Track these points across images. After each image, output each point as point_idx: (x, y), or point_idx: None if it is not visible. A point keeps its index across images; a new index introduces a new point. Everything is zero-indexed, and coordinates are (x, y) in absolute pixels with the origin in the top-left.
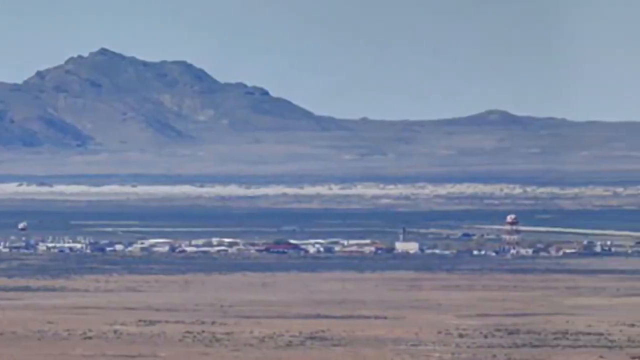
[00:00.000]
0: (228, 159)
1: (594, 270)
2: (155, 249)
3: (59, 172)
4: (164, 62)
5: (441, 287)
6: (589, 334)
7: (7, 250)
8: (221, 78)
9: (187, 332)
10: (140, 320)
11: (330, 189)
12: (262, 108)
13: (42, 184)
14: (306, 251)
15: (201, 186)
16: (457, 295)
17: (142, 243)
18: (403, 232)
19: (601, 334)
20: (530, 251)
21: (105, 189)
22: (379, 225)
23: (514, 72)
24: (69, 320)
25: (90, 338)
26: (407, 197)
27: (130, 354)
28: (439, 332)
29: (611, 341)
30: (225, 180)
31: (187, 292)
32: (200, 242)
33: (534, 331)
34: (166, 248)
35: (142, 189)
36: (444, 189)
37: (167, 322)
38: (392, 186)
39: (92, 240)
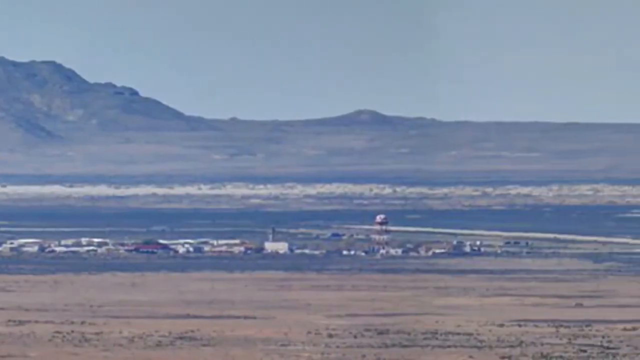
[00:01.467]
0: (97, 158)
1: (463, 270)
2: (25, 249)
3: None
4: (33, 62)
5: (311, 287)
6: (459, 334)
7: None
8: (90, 78)
9: (57, 332)
10: (9, 320)
11: (200, 189)
12: (132, 108)
13: None
14: (176, 251)
15: (70, 186)
16: (326, 295)
17: (11, 243)
18: (272, 232)
19: (470, 334)
20: (399, 251)
21: None
22: (248, 225)
23: (384, 72)
24: None
25: None
26: (276, 197)
27: (0, 354)
28: (309, 332)
29: (480, 341)
30: (95, 180)
31: (56, 292)
32: (69, 242)
33: (404, 331)
34: (35, 248)
35: (12, 189)
36: (313, 189)
37: (36, 322)
38: (261, 186)
39: None
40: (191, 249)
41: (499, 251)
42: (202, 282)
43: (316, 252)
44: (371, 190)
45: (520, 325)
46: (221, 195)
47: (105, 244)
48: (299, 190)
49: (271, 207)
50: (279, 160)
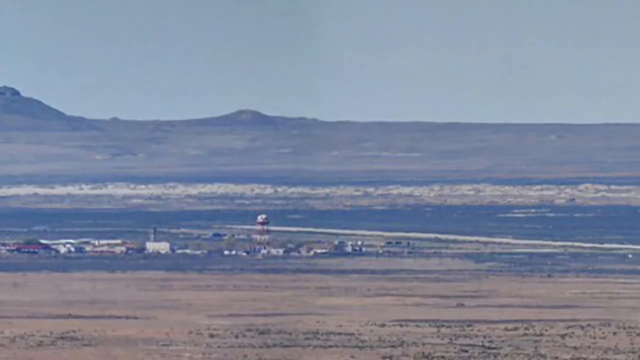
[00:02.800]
0: None
1: (344, 270)
2: None
3: None
4: None
5: (192, 287)
6: (340, 334)
7: None
8: None
9: None
10: None
11: (82, 189)
12: (13, 108)
13: None
14: (57, 251)
15: None
16: (208, 295)
17: None
18: (154, 232)
19: (352, 334)
20: (281, 251)
21: None
22: (130, 225)
23: (265, 72)
24: None
25: None
26: (158, 197)
27: None
28: (190, 332)
29: (362, 341)
30: None
31: None
32: None
33: (285, 331)
34: None
35: None
36: (194, 189)
37: None
38: (143, 186)
39: None
40: (73, 249)
41: (380, 251)
42: (83, 282)
43: (197, 252)
44: (252, 190)
45: (401, 325)
46: (102, 195)
47: None
48: (180, 190)
49: (153, 207)
50: (161, 160)
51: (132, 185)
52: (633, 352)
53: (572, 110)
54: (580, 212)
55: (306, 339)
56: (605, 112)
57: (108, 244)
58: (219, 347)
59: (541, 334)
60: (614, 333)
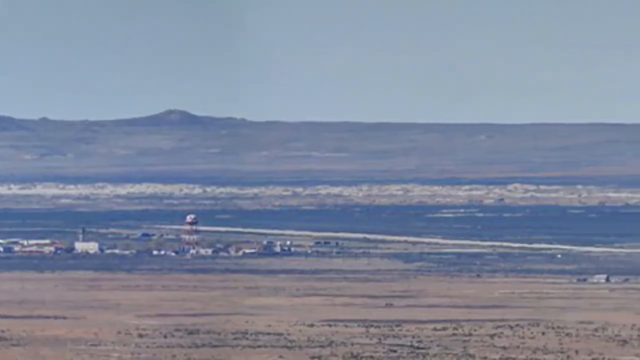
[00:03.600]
0: None
1: (273, 270)
2: None
3: None
4: None
5: (121, 287)
6: (269, 334)
7: None
8: None
9: None
10: None
11: (10, 189)
12: None
13: None
14: None
15: None
16: (137, 295)
17: None
18: (82, 232)
19: (281, 334)
20: (209, 251)
21: None
22: (58, 225)
23: (194, 72)
24: None
25: None
26: (87, 197)
27: None
28: (119, 332)
29: (291, 341)
30: None
31: None
32: None
33: (214, 331)
34: None
35: None
36: (123, 189)
37: None
38: (72, 186)
39: None
40: (1, 249)
41: (309, 251)
42: (12, 282)
43: (126, 252)
44: (181, 190)
45: (330, 325)
46: (31, 195)
47: None
48: (109, 190)
49: (81, 207)
50: (90, 160)
51: (61, 185)
52: (562, 352)
53: (501, 111)
54: (509, 212)
55: (235, 339)
56: (534, 113)
57: (37, 244)
58: (147, 347)
59: (470, 334)
60: (543, 333)
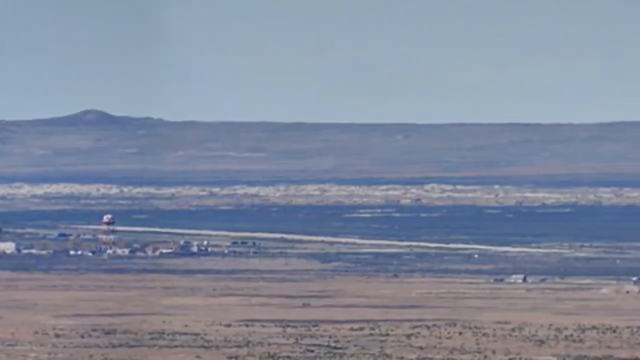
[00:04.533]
0: None
1: (190, 270)
2: None
3: None
4: None
5: (38, 287)
6: (186, 334)
7: None
8: None
9: None
10: None
11: None
12: None
13: None
14: None
15: None
16: (53, 295)
17: None
18: None
19: (198, 334)
20: (126, 251)
21: None
22: None
23: (111, 72)
24: None
25: None
26: (3, 197)
27: None
28: (36, 332)
29: (208, 341)
30: None
31: None
32: None
33: (131, 331)
34: None
35: None
36: (40, 189)
37: None
38: None
39: None
40: None
41: (226, 251)
42: None
43: (43, 252)
44: (98, 190)
45: (247, 325)
46: None
47: None
48: (26, 190)
49: None
50: (6, 160)
51: None
52: (479, 352)
53: (417, 111)
54: (426, 212)
55: (152, 339)
56: (451, 113)
57: None
58: (64, 347)
59: (387, 334)
60: (460, 333)
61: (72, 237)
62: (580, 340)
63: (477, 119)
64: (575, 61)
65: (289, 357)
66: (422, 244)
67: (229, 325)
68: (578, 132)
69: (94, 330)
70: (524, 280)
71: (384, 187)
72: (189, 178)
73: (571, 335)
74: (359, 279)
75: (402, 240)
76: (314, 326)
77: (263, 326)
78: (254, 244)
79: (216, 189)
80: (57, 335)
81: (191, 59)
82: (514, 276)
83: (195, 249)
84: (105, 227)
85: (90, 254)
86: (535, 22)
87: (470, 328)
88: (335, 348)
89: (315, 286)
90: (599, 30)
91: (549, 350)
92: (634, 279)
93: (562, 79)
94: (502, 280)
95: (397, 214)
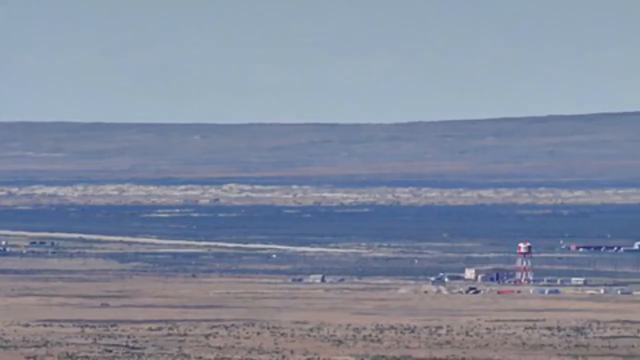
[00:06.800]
0: None
1: None
2: None
3: None
4: None
5: None
6: None
7: None
8: None
9: None
10: None
11: None
12: None
13: None
14: None
15: None
16: None
17: None
18: None
19: None
20: None
21: None
22: None
23: None
24: None
25: None
26: None
27: None
28: None
29: (6, 341)
30: None
31: None
32: None
33: None
34: None
35: None
36: None
37: None
38: None
39: None
40: None
41: (24, 251)
42: None
43: None
44: None
45: (45, 325)
46: None
47: None
48: None
49: None
50: None
51: None
52: (277, 352)
53: (215, 111)
54: (225, 212)
55: None
56: (250, 113)
57: None
58: None
59: (185, 334)
60: (258, 333)
61: None
62: (379, 340)
63: (276, 119)
64: (373, 61)
65: (87, 357)
66: (220, 244)
67: (27, 325)
68: (377, 132)
69: None
70: (323, 280)
71: (183, 187)
72: None
73: (369, 335)
74: (157, 279)
75: (200, 240)
76: (112, 326)
77: (61, 326)
78: (52, 244)
79: (14, 189)
80: None
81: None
82: (312, 276)
83: None
84: None
85: None
86: (334, 22)
87: (268, 328)
88: (133, 348)
89: (114, 286)
90: (395, 31)
91: (347, 350)
92: (432, 279)
93: (360, 80)
94: (300, 280)
95: (196, 214)
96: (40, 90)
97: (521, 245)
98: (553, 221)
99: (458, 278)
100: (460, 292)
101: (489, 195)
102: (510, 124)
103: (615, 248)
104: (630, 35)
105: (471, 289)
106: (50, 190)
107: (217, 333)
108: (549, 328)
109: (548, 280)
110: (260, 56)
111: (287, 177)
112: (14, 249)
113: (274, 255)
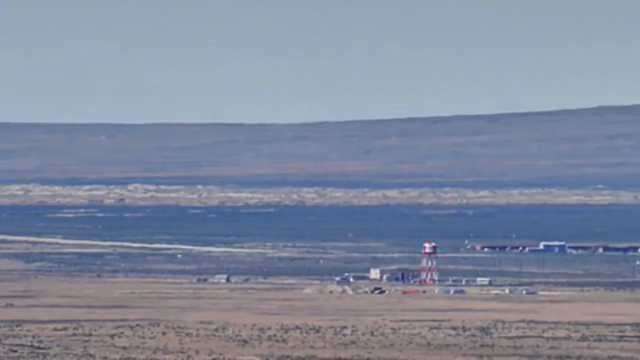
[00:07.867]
0: None
1: None
2: None
3: None
4: None
5: None
6: None
7: None
8: None
9: None
10: None
11: None
12: None
13: None
14: None
15: None
16: None
17: None
18: None
19: None
20: None
21: None
22: None
23: None
24: None
25: None
26: None
27: None
28: None
29: None
30: None
31: None
32: None
33: None
34: None
35: None
36: None
37: None
38: None
39: None
40: None
41: None
42: None
43: None
44: None
45: None
46: None
47: None
48: None
49: None
50: None
51: None
52: (182, 352)
53: (122, 111)
54: (130, 212)
55: None
56: (155, 113)
57: None
58: None
59: (90, 334)
60: (163, 333)
61: None
62: (284, 340)
63: (180, 118)
64: (278, 61)
65: None
66: (125, 244)
67: None
68: (283, 132)
69: None
70: (228, 280)
71: (88, 187)
72: None
73: (274, 335)
74: (62, 279)
75: (105, 240)
76: (17, 326)
77: None
78: None
79: None
80: None
81: None
82: (217, 276)
83: None
84: None
85: None
86: (238, 21)
87: (173, 328)
88: (38, 348)
89: (18, 286)
90: (300, 30)
91: (252, 350)
92: (337, 279)
93: (266, 79)
94: (205, 280)
95: (101, 214)
96: None
97: (426, 245)
98: (458, 221)
99: (363, 278)
100: (366, 292)
101: (393, 195)
102: (414, 124)
103: (520, 248)
104: (533, 36)
105: (376, 289)
106: None
107: (122, 333)
108: (454, 328)
109: (453, 280)
110: (166, 56)
111: (192, 177)
112: None
113: (179, 255)
